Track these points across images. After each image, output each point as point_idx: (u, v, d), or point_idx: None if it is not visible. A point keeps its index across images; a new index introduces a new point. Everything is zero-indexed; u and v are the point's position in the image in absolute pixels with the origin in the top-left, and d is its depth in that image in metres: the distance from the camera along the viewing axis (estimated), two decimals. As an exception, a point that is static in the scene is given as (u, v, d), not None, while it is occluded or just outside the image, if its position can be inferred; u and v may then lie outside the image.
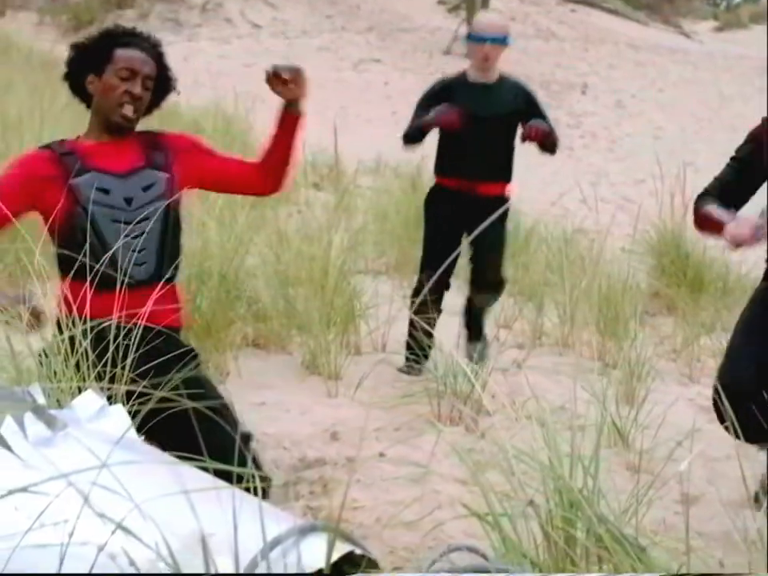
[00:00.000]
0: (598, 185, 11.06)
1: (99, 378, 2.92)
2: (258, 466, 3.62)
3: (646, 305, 7.32)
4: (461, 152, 5.62)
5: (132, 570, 1.91)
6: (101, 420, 2.45)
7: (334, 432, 4.48)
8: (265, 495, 3.48)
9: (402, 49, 21.10)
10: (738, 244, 3.60)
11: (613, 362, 5.94)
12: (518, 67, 20.58)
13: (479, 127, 5.55)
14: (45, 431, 2.27)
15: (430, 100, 5.67)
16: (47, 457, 2.16)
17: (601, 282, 6.76)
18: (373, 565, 2.21)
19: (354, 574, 2.18)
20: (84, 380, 2.87)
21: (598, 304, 6.54)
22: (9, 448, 2.17)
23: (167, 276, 3.54)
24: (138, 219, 3.48)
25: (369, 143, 12.22)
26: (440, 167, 5.78)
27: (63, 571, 1.87)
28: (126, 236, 3.43)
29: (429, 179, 9.71)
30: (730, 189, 3.84)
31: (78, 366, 2.93)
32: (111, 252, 3.33)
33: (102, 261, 3.32)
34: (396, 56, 20.63)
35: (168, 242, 3.59)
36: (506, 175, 5.76)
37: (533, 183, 13.38)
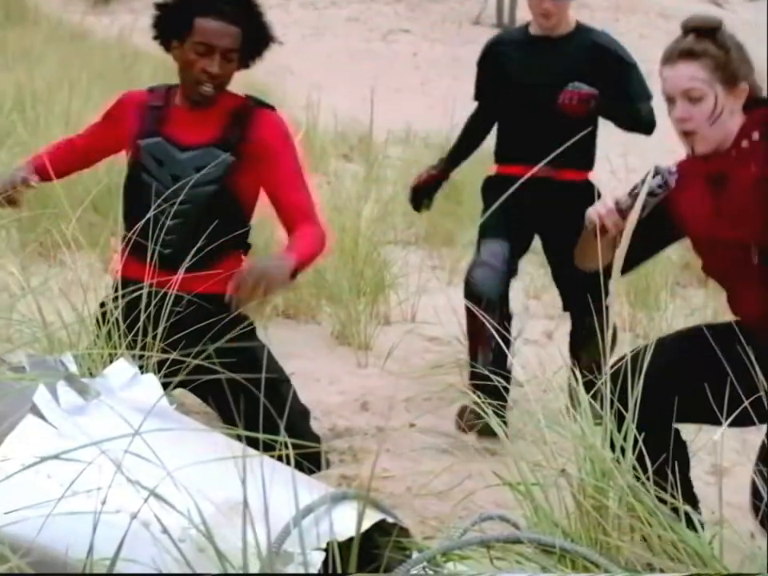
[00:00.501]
0: (628, 155, 10.97)
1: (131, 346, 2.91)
2: (318, 439, 3.63)
3: (677, 276, 7.28)
4: (520, 132, 4.49)
5: (164, 538, 1.91)
6: (133, 388, 2.46)
7: (363, 402, 4.49)
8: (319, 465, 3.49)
9: (431, 19, 20.98)
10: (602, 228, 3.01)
11: (644, 333, 5.92)
12: (548, 37, 20.47)
13: (539, 98, 4.37)
14: (78, 399, 2.28)
15: (483, 65, 4.67)
16: (80, 425, 2.17)
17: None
18: (404, 533, 2.21)
19: (385, 542, 2.18)
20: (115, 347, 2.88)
21: (629, 275, 6.51)
22: (42, 416, 2.18)
23: (200, 262, 3.33)
24: (174, 201, 3.36)
25: (398, 114, 12.18)
26: (498, 153, 4.66)
27: (96, 539, 1.88)
28: (160, 215, 3.34)
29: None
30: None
31: (109, 333, 2.94)
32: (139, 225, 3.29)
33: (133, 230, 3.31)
34: (425, 26, 20.52)
35: (203, 230, 3.35)
36: (583, 160, 4.60)
37: (562, 154, 13.28)
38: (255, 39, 3.55)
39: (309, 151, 8.92)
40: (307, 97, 9.99)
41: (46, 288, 3.43)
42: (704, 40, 2.94)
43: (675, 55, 2.96)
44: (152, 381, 2.52)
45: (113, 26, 13.98)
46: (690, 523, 2.24)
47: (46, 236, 5.24)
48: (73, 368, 2.46)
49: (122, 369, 2.51)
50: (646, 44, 21.10)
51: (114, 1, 20.59)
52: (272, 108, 3.62)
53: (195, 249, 3.26)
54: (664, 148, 14.75)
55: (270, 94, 11.02)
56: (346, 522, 2.02)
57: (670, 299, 6.25)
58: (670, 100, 2.99)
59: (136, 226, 3.29)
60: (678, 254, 7.64)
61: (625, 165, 10.24)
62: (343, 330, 5.39)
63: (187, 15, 3.45)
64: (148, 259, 3.23)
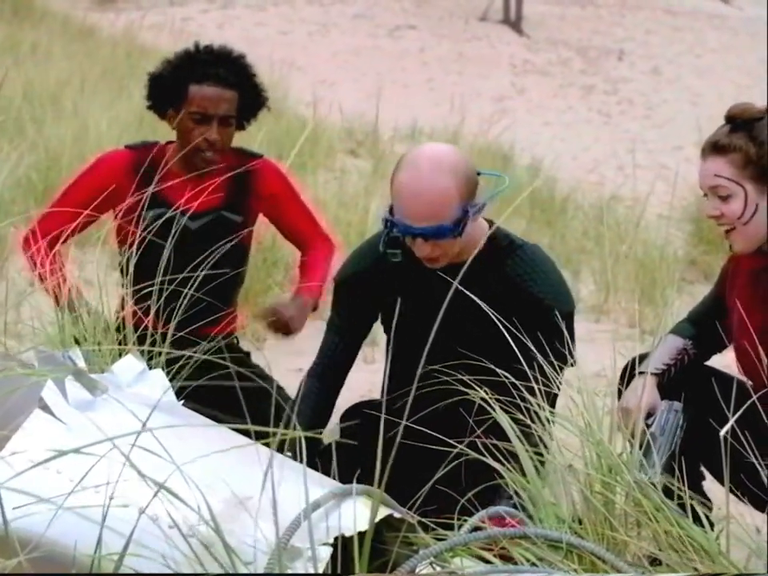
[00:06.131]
0: (635, 151, 10.99)
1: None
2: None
3: (684, 272, 7.28)
4: None
5: (173, 532, 1.92)
6: (141, 384, 2.47)
7: (371, 397, 4.49)
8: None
9: (437, 15, 20.96)
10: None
11: (650, 329, 5.91)
12: (556, 33, 20.47)
13: None
14: (86, 395, 2.28)
15: None
16: (88, 420, 2.18)
17: (638, 248, 6.73)
18: (411, 529, 2.22)
19: (392, 537, 2.19)
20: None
21: (635, 271, 6.51)
22: (50, 412, 2.19)
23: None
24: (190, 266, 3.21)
25: (405, 110, 12.17)
26: None
27: (105, 534, 1.89)
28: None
29: (465, 146, 9.68)
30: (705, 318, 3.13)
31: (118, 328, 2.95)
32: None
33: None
34: (432, 22, 20.51)
35: (219, 286, 3.39)
36: None
37: (569, 151, 13.32)
38: (251, 102, 3.56)
39: (316, 147, 8.94)
40: (314, 93, 9.98)
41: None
42: (738, 132, 2.75)
43: (707, 148, 2.80)
44: (160, 377, 2.52)
45: (118, 23, 14.01)
46: (697, 519, 2.25)
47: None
48: (81, 364, 2.46)
49: (130, 365, 2.52)
50: (652, 39, 21.11)
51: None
52: (261, 156, 3.65)
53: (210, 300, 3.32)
54: (672, 145, 14.71)
55: (275, 89, 11.05)
56: (354, 517, 2.03)
57: (677, 295, 6.24)
58: (705, 194, 2.86)
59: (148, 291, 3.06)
60: (685, 250, 7.65)
61: (631, 161, 10.26)
62: (350, 326, 5.38)
63: (181, 84, 3.44)
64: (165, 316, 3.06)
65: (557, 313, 2.90)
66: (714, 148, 2.78)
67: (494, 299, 2.87)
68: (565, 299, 3.01)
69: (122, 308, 3.17)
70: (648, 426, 2.77)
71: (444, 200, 2.84)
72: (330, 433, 2.59)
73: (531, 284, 2.96)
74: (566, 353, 2.80)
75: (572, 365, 2.85)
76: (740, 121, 2.77)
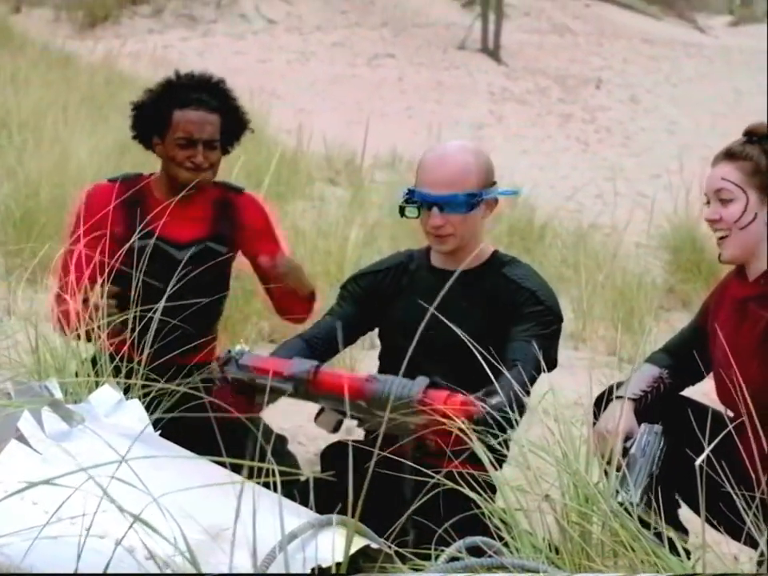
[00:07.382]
0: (613, 180, 11.04)
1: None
2: (296, 466, 3.59)
3: (661, 300, 7.30)
4: None
5: (150, 564, 1.91)
6: (118, 414, 2.46)
7: (348, 426, 4.48)
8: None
9: (416, 44, 21.05)
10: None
11: (628, 357, 5.93)
12: (534, 62, 20.57)
13: None
14: (62, 425, 2.28)
15: None
16: (65, 451, 2.17)
17: (616, 276, 6.74)
18: (388, 559, 2.21)
19: (370, 568, 2.18)
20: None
21: (613, 299, 6.52)
22: (26, 442, 2.18)
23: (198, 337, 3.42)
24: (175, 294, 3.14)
25: (383, 138, 12.21)
26: None
27: (81, 564, 1.88)
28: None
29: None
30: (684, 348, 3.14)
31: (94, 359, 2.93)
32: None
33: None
34: (410, 51, 20.59)
35: (201, 313, 3.40)
36: None
37: (547, 179, 13.36)
38: (233, 125, 3.58)
39: (295, 176, 8.95)
40: (293, 121, 10.00)
41: (33, 313, 3.43)
42: (751, 144, 2.86)
43: (720, 156, 2.90)
44: (137, 407, 2.52)
45: (97, 51, 14.01)
46: (673, 548, 2.25)
47: (31, 261, 5.24)
48: (58, 394, 2.46)
49: (107, 395, 2.51)
50: (629, 68, 21.23)
51: (100, 26, 20.65)
52: (243, 190, 3.68)
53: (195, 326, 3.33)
54: (649, 173, 14.77)
55: (255, 117, 11.05)
56: (331, 548, 2.03)
57: (654, 323, 6.25)
58: (708, 201, 2.92)
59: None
60: (662, 278, 7.68)
61: (609, 189, 10.30)
62: (329, 355, 5.37)
63: (165, 110, 3.46)
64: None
65: (547, 307, 3.07)
66: (726, 155, 2.89)
67: (492, 296, 3.12)
68: (556, 302, 3.14)
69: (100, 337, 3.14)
70: (627, 450, 2.79)
71: (463, 170, 3.13)
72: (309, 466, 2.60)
73: (527, 281, 3.13)
74: (552, 349, 3.02)
75: (554, 366, 3.03)
76: (756, 136, 2.88)
